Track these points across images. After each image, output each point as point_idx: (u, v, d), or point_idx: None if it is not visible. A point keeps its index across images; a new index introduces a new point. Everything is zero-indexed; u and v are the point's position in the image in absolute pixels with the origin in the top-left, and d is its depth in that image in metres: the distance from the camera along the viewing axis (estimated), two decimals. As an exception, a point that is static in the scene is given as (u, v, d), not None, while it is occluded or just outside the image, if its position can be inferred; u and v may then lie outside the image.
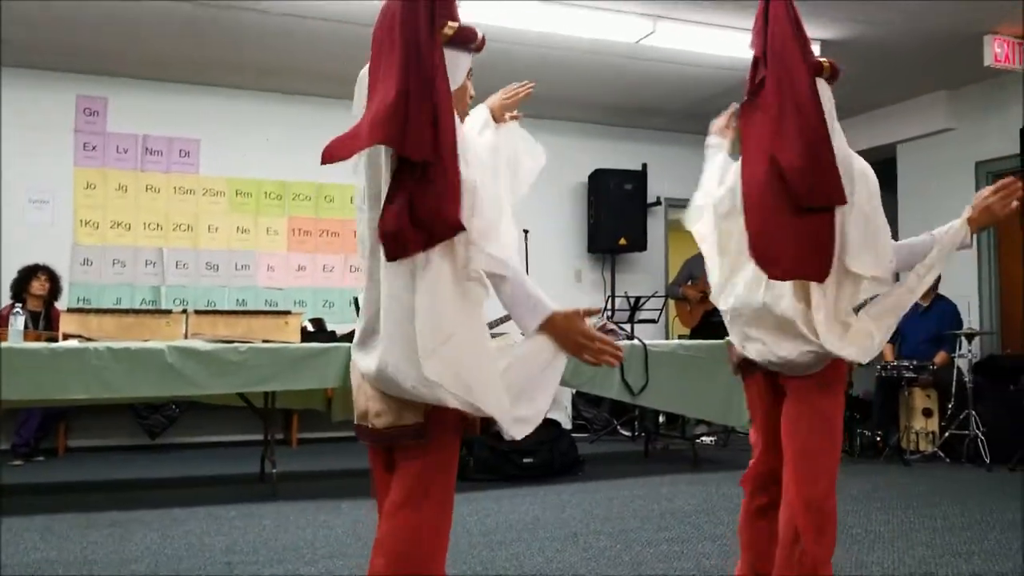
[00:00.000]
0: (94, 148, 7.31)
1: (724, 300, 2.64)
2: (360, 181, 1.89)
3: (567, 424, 7.94)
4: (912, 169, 8.15)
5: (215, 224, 7.58)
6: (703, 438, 7.21)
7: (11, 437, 6.41)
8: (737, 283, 2.60)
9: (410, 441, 1.87)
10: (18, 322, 4.63)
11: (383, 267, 1.78)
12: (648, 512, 4.55)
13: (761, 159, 2.40)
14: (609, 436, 7.73)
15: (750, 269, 2.49)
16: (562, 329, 1.84)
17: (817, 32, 6.32)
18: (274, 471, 5.11)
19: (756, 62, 2.55)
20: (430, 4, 1.79)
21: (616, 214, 8.40)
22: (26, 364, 4.37)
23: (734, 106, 2.85)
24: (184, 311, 5.25)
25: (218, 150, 7.62)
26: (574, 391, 7.89)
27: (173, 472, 6.00)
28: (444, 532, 1.94)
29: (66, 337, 4.99)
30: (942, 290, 6.86)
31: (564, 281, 8.68)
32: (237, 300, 7.54)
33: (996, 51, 6.27)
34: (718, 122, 3.00)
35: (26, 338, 4.76)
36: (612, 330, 5.77)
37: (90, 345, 4.57)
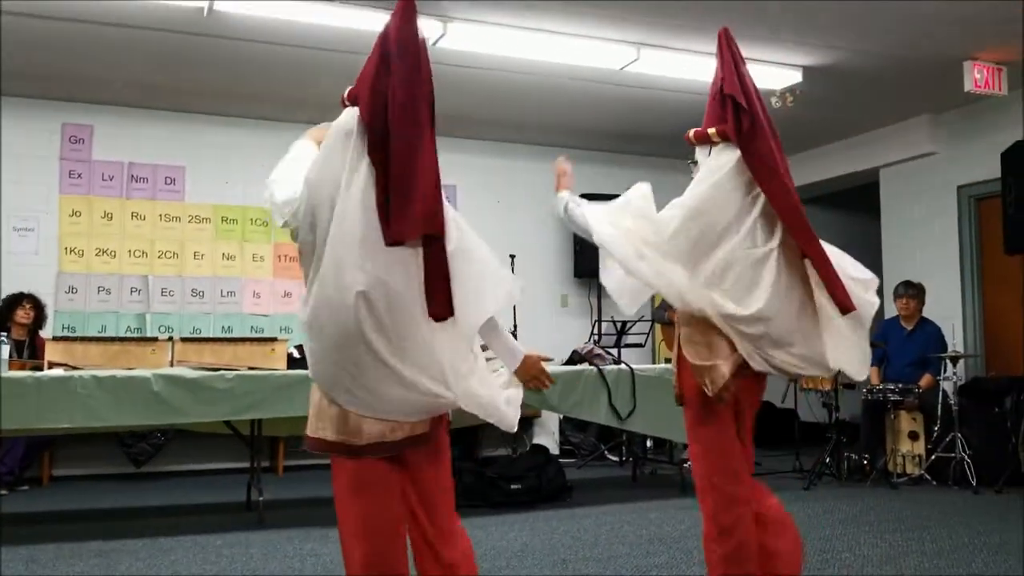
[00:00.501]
0: (79, 176, 7.30)
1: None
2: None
3: (555, 450, 7.94)
4: (895, 193, 8.23)
5: (201, 251, 7.57)
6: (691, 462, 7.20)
7: (-6, 467, 6.35)
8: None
9: (423, 447, 2.20)
10: (3, 351, 4.59)
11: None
12: (636, 538, 4.54)
13: (788, 182, 2.70)
14: (597, 461, 7.72)
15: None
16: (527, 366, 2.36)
17: (799, 59, 6.41)
18: (260, 499, 5.08)
19: (731, 99, 2.71)
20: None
21: (602, 239, 8.42)
22: (11, 393, 4.34)
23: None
24: (170, 338, 5.23)
25: (203, 177, 7.63)
26: (561, 417, 7.89)
27: (159, 500, 5.95)
28: None
29: (51, 366, 4.96)
30: (927, 313, 6.92)
31: (550, 306, 8.70)
32: (223, 327, 7.51)
33: (976, 76, 6.36)
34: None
35: (11, 367, 4.72)
36: (599, 355, 5.78)
37: (75, 374, 4.54)
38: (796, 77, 6.55)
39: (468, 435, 7.63)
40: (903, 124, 7.93)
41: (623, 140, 8.61)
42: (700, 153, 2.90)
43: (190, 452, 7.11)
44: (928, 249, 7.81)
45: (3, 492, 6.15)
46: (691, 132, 2.89)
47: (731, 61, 2.79)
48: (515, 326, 7.30)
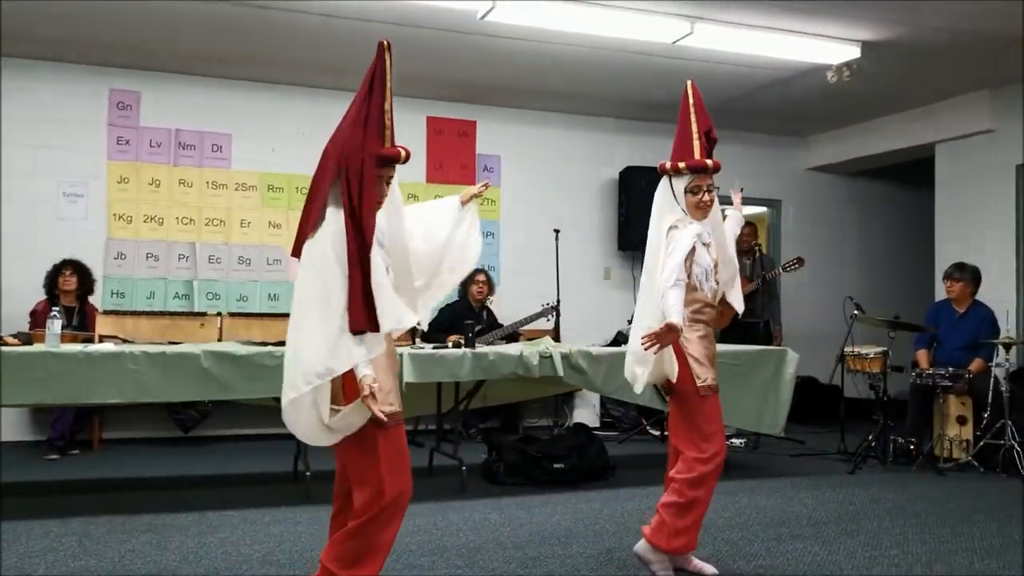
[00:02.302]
0: (127, 142, 7.34)
1: None
2: None
3: (595, 423, 7.94)
4: (950, 170, 8.02)
5: (247, 219, 7.61)
6: (732, 440, 7.16)
7: (47, 431, 6.49)
8: None
9: None
10: (55, 325, 4.64)
11: None
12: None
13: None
14: (638, 436, 7.71)
15: None
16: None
17: (857, 33, 6.23)
18: (308, 472, 5.13)
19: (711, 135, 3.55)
20: None
21: (647, 212, 8.24)
22: (63, 368, 4.41)
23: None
24: (218, 314, 5.28)
25: (250, 145, 7.64)
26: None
27: (207, 468, 6.05)
28: None
29: (102, 339, 5.03)
30: (980, 296, 6.76)
31: (593, 279, 8.64)
32: (269, 295, 7.57)
33: (1040, 54, 6.13)
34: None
35: (62, 340, 4.78)
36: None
37: (126, 349, 4.60)
38: (855, 52, 6.37)
39: (509, 408, 7.66)
40: (961, 99, 7.70)
41: (671, 111, 8.40)
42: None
43: (236, 419, 7.22)
44: (983, 230, 7.62)
45: (55, 456, 6.30)
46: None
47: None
48: (558, 300, 7.26)
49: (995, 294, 6.98)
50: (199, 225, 7.47)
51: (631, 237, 8.40)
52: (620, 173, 8.57)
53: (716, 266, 3.59)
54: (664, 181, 3.60)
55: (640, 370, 3.52)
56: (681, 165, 3.49)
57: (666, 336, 3.23)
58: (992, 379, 6.28)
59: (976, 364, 6.49)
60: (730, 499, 5.14)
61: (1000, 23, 5.94)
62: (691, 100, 3.58)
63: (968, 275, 6.72)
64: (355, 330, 2.52)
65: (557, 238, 7.60)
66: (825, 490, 5.49)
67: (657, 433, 7.73)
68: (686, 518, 3.54)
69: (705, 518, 4.65)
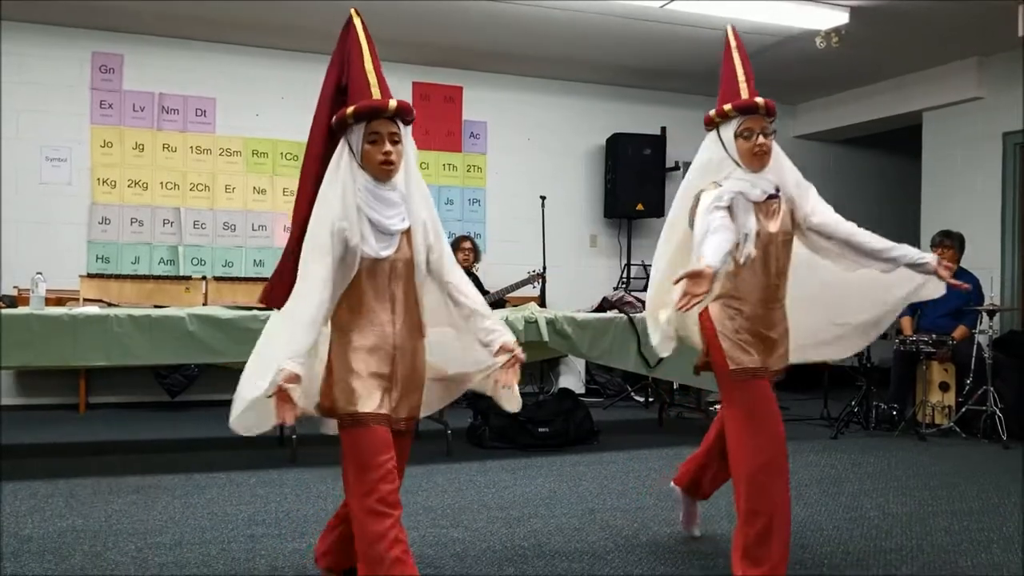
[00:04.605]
0: (111, 106, 7.26)
1: None
2: None
3: (580, 389, 7.98)
4: (937, 138, 8.03)
5: (232, 184, 7.56)
6: (717, 406, 7.20)
7: (33, 394, 6.46)
8: None
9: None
10: (40, 287, 4.63)
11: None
12: (664, 488, 4.52)
13: None
14: (623, 402, 7.76)
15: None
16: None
17: (846, -1, 6.20)
18: (294, 436, 5.15)
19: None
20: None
21: (634, 179, 8.33)
22: (48, 330, 4.40)
23: None
24: (203, 277, 5.26)
25: (234, 109, 7.57)
26: (589, 357, 7.90)
27: (193, 433, 6.06)
28: None
29: (86, 303, 5.01)
30: (964, 263, 6.79)
31: (579, 246, 8.64)
32: (254, 260, 7.55)
33: (1030, 21, 6.12)
34: None
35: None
36: (630, 302, 5.75)
37: (111, 312, 4.59)
38: (843, 18, 6.34)
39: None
40: (950, 66, 7.69)
41: (660, 77, 8.42)
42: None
43: (223, 383, 7.10)
44: (969, 197, 7.65)
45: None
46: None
47: None
48: (544, 267, 7.27)
49: (979, 261, 7.01)
50: (183, 190, 7.41)
51: (617, 204, 8.40)
52: (607, 140, 8.54)
53: (773, 234, 2.98)
54: (711, 136, 3.10)
55: (653, 328, 3.28)
56: (727, 107, 2.98)
57: (695, 283, 2.60)
58: (975, 346, 6.34)
59: (959, 331, 6.54)
60: (714, 463, 5.18)
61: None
62: (733, 43, 3.13)
63: (956, 242, 6.75)
64: (261, 300, 2.58)
65: (543, 205, 7.60)
66: (808, 454, 5.55)
67: (641, 399, 7.78)
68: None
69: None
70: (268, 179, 7.66)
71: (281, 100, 7.60)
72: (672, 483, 3.62)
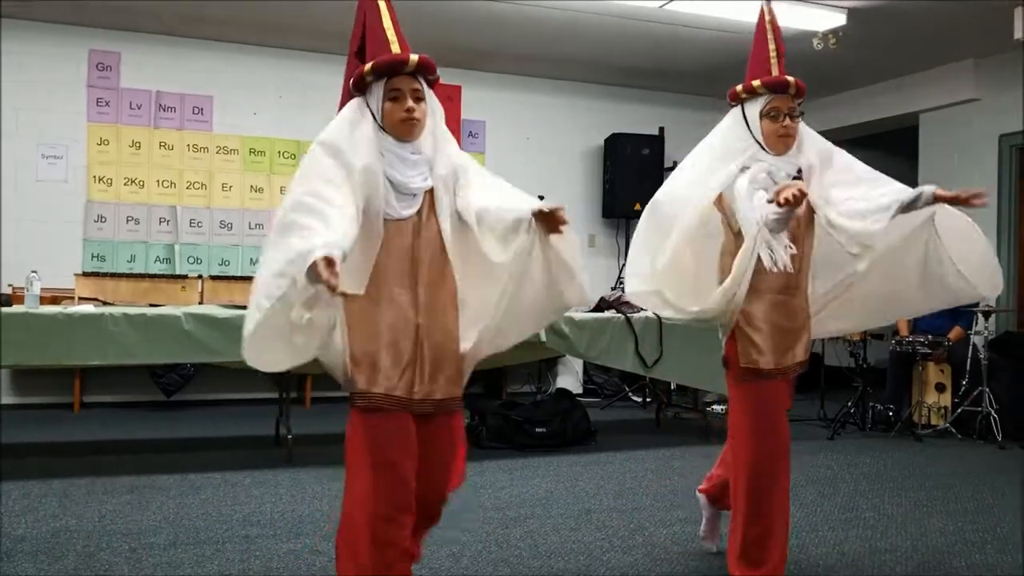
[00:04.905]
0: (107, 104, 7.25)
1: None
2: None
3: (578, 389, 7.97)
4: (934, 139, 8.02)
5: (229, 183, 7.54)
6: (714, 407, 7.22)
7: (27, 393, 6.45)
8: None
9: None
10: (35, 286, 4.62)
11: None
12: (660, 488, 4.57)
13: None
14: (620, 402, 7.75)
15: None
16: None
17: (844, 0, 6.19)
18: (289, 436, 5.14)
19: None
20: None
21: (632, 179, 8.31)
22: (43, 328, 4.39)
23: None
24: (200, 276, 5.26)
25: (231, 108, 7.55)
26: (586, 357, 7.90)
27: (189, 432, 6.04)
28: None
29: (82, 301, 5.00)
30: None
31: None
32: (251, 259, 7.52)
33: (1027, 23, 6.12)
34: None
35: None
36: (627, 302, 5.74)
37: (106, 311, 4.58)
38: (840, 19, 6.34)
39: (494, 373, 7.68)
40: (946, 68, 7.68)
41: (658, 78, 8.41)
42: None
43: (218, 383, 7.20)
44: (965, 199, 7.64)
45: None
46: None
47: None
48: (542, 266, 7.25)
49: (976, 263, 7.01)
50: (180, 188, 7.40)
51: (616, 204, 8.39)
52: (605, 140, 8.54)
53: (797, 217, 2.85)
54: (734, 112, 2.96)
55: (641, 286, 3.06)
56: (756, 83, 2.84)
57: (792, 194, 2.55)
58: (971, 347, 6.35)
59: (955, 332, 6.54)
60: (709, 463, 5.15)
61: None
62: (767, 19, 3.00)
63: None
64: None
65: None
66: (804, 455, 5.54)
67: (639, 400, 7.78)
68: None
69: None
70: (265, 178, 7.64)
71: (279, 99, 7.59)
72: (697, 491, 3.51)
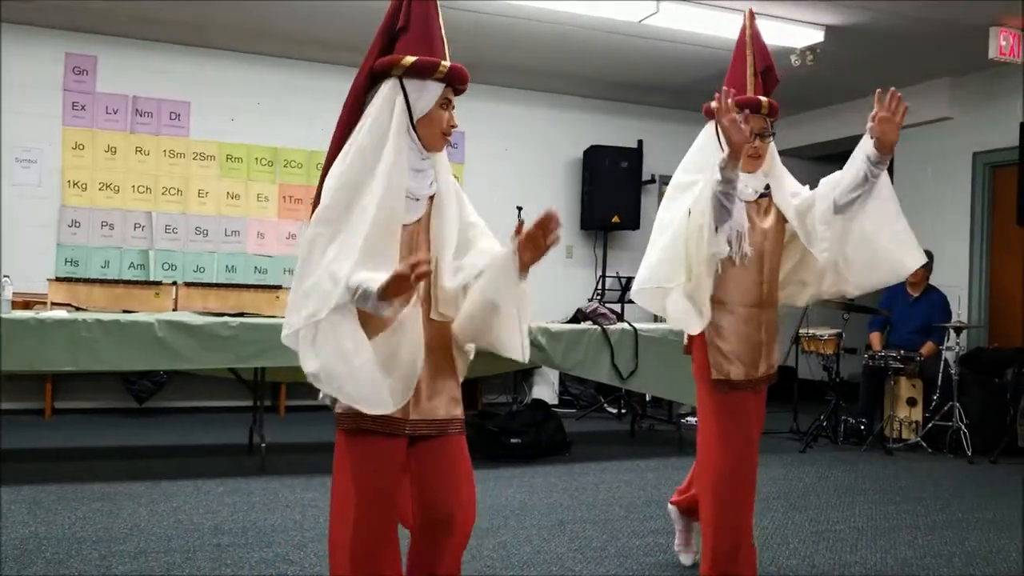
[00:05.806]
0: (83, 108, 7.19)
1: None
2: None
3: (554, 400, 7.98)
4: (909, 156, 8.11)
5: (205, 189, 7.50)
6: (688, 419, 7.25)
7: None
8: None
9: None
10: (7, 291, 4.57)
11: None
12: (634, 500, 4.58)
13: None
14: (596, 413, 7.77)
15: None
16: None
17: (821, 17, 6.26)
18: (263, 444, 5.11)
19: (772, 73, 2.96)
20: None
21: (610, 191, 8.36)
22: (14, 334, 4.34)
23: None
24: (174, 283, 5.22)
25: (209, 114, 7.51)
26: (562, 368, 7.92)
27: (161, 439, 5.98)
28: None
29: (54, 306, 4.95)
30: (934, 280, 6.88)
31: (554, 257, 8.60)
32: (226, 267, 7.49)
33: (1001, 43, 6.23)
34: None
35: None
36: (603, 314, 5.76)
37: (79, 316, 4.53)
38: (818, 36, 6.42)
39: (468, 384, 7.66)
40: (922, 86, 7.78)
41: (637, 91, 8.47)
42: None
43: (192, 390, 7.15)
44: (939, 215, 7.74)
45: None
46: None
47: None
48: (519, 277, 7.26)
49: (948, 279, 7.11)
50: (155, 194, 7.35)
51: (594, 216, 8.43)
52: (584, 152, 8.57)
53: (766, 230, 2.94)
54: (708, 127, 2.97)
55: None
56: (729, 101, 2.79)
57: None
58: (942, 362, 6.41)
59: (927, 347, 6.62)
60: (682, 474, 5.17)
61: (962, 12, 6.00)
62: (748, 32, 3.02)
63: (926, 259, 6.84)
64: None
65: (520, 216, 7.59)
66: (776, 468, 5.58)
67: (614, 411, 7.80)
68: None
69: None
70: (242, 184, 7.61)
71: (257, 105, 7.56)
72: (669, 503, 3.55)
